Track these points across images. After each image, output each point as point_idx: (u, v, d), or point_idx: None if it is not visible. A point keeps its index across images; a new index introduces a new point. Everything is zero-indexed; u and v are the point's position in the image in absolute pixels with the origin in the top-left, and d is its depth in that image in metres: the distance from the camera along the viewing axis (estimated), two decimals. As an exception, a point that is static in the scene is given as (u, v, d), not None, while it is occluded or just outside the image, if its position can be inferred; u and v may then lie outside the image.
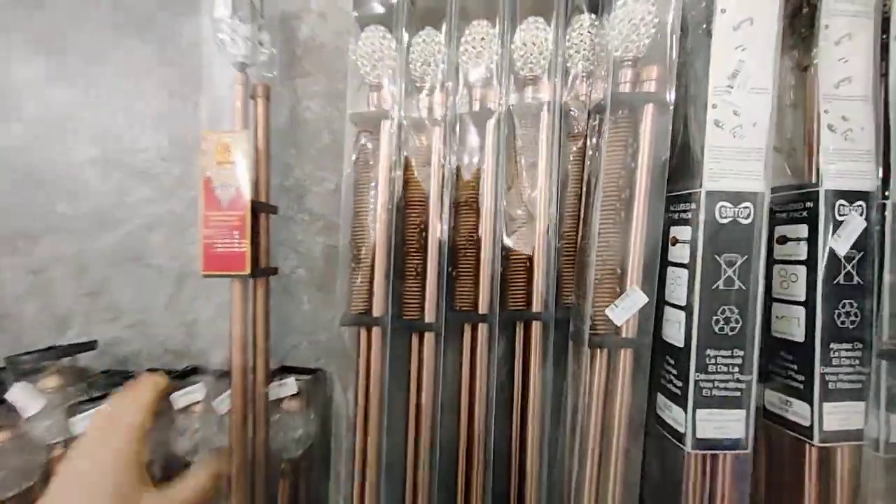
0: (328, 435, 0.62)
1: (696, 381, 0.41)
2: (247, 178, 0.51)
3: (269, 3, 0.58)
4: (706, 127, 0.41)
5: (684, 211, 0.44)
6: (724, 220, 0.41)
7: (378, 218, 0.53)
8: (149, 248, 0.64)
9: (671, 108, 0.44)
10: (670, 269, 0.45)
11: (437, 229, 0.53)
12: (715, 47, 0.41)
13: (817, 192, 0.43)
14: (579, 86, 0.52)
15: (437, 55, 0.54)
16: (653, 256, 0.45)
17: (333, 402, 0.61)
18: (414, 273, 0.54)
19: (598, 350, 0.46)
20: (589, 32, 0.51)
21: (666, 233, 0.46)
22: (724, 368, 0.41)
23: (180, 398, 0.55)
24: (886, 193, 0.43)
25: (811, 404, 0.43)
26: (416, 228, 0.54)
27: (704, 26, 0.44)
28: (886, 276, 0.41)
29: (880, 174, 0.44)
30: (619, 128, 0.47)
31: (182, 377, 0.59)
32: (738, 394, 0.42)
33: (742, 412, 0.42)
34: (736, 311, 0.41)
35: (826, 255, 0.42)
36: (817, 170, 0.44)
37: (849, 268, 0.42)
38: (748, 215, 0.41)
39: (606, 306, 0.46)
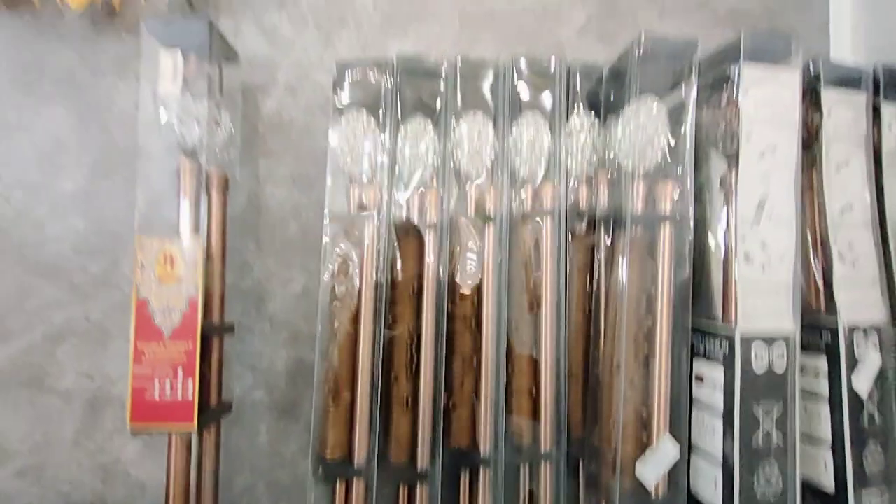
0: None
1: (740, 552, 0.37)
2: (198, 300, 0.40)
3: (229, 73, 0.49)
4: (735, 261, 0.38)
5: (713, 348, 0.40)
6: (759, 367, 0.38)
7: (361, 340, 0.45)
8: (53, 366, 0.50)
9: (691, 229, 0.42)
10: (696, 411, 0.41)
11: (431, 352, 0.45)
12: (742, 174, 0.38)
13: (835, 325, 0.41)
14: (579, 188, 0.49)
15: (428, 148, 0.48)
16: (681, 399, 0.40)
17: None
18: (403, 405, 0.46)
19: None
20: (590, 134, 0.48)
21: (689, 364, 0.42)
22: (766, 532, 0.37)
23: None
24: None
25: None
26: (405, 350, 0.46)
27: (721, 147, 0.42)
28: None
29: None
30: (636, 248, 0.43)
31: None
32: (780, 561, 0.38)
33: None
34: (775, 467, 0.38)
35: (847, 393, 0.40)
36: (829, 301, 0.42)
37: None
38: (783, 358, 0.38)
39: (633, 455, 0.40)
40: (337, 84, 0.48)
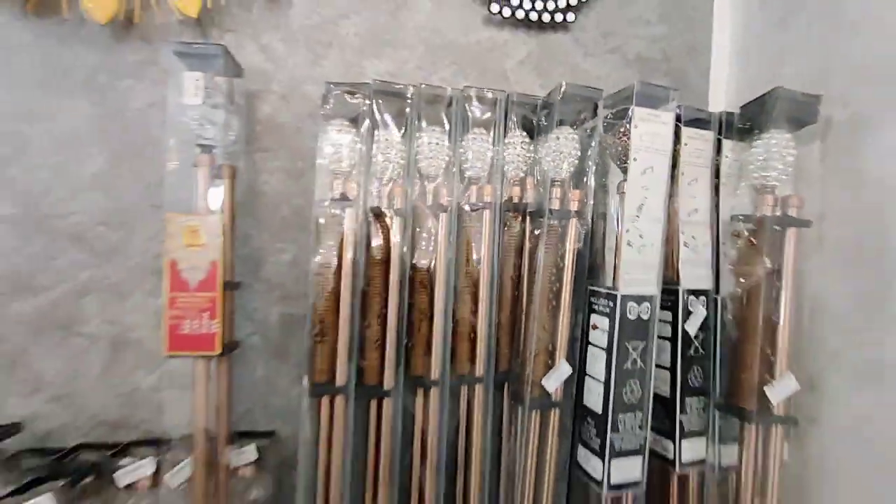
0: (283, 494, 0.63)
1: (612, 440, 0.53)
2: (219, 261, 0.52)
3: (235, 83, 0.60)
4: (622, 245, 0.54)
5: (603, 305, 0.56)
6: (632, 317, 0.54)
7: (342, 298, 0.58)
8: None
9: (589, 223, 0.58)
10: (591, 348, 0.58)
11: (395, 305, 0.59)
12: (629, 185, 0.55)
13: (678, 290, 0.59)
14: (512, 189, 0.64)
15: (397, 153, 0.61)
16: (574, 337, 0.57)
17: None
18: (374, 343, 0.59)
19: (535, 411, 0.57)
20: (522, 147, 0.63)
21: (588, 317, 0.59)
22: (630, 427, 0.54)
23: (126, 475, 0.53)
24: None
25: (674, 441, 0.58)
26: (377, 304, 0.60)
27: (618, 163, 0.58)
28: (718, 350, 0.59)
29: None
30: (552, 234, 0.59)
31: (120, 452, 0.57)
32: (638, 446, 0.55)
33: (640, 458, 0.55)
34: (638, 383, 0.55)
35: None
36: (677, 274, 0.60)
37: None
38: (647, 311, 0.55)
39: (542, 375, 0.57)
40: (325, 99, 0.60)
